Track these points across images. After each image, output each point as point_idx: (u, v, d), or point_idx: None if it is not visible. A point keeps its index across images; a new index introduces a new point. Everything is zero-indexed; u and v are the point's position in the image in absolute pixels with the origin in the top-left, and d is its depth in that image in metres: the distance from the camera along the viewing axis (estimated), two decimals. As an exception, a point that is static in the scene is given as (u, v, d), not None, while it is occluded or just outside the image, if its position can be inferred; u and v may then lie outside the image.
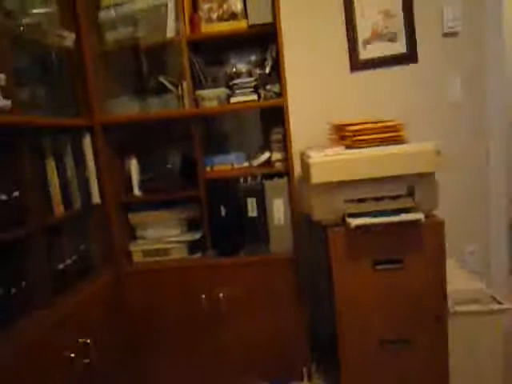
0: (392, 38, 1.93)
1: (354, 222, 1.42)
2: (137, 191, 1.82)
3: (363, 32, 1.95)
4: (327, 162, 1.42)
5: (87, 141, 1.70)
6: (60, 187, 1.50)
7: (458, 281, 1.69)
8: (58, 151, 1.51)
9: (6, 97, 1.20)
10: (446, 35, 1.93)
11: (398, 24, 1.92)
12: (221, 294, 1.73)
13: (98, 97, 1.74)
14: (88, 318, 1.51)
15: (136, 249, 1.84)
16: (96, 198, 1.72)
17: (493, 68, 1.93)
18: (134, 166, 1.82)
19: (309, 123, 1.98)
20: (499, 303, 1.63)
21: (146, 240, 1.86)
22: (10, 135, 1.25)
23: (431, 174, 1.45)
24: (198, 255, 1.82)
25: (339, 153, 1.46)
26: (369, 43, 1.95)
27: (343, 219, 1.48)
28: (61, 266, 1.50)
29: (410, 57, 1.94)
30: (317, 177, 1.43)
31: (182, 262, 1.81)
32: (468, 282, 1.71)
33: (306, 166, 1.55)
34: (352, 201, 1.49)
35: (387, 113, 1.78)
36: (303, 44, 2.00)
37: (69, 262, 1.54)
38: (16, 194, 1.26)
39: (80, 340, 1.41)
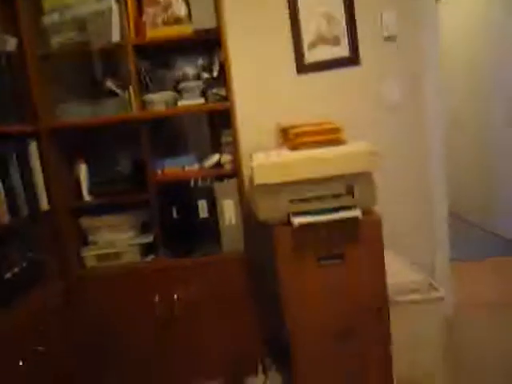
0: (335, 42, 2.00)
1: (297, 220, 1.48)
2: (86, 196, 1.82)
3: (308, 35, 2.01)
4: (269, 164, 1.48)
5: (33, 147, 1.68)
6: (5, 195, 1.48)
7: (400, 272, 1.79)
8: (1, 158, 1.49)
9: None
10: (386, 39, 2.02)
11: (341, 28, 2.00)
12: (175, 296, 1.76)
13: (43, 102, 1.72)
14: (39, 327, 1.50)
15: (88, 254, 1.83)
16: (44, 205, 1.70)
17: (430, 71, 2.04)
18: (83, 170, 1.81)
19: (258, 125, 2.03)
20: (437, 291, 1.74)
21: (99, 245, 1.86)
22: None
23: (369, 173, 1.53)
24: (150, 258, 1.84)
25: (282, 155, 1.51)
26: (314, 46, 2.02)
27: (288, 218, 1.54)
28: (8, 275, 1.48)
29: (352, 60, 2.02)
30: (259, 178, 1.48)
31: (134, 265, 1.82)
32: (409, 272, 1.81)
33: (250, 168, 1.59)
34: (296, 200, 1.55)
35: (333, 114, 1.84)
36: (250, 48, 2.04)
37: (16, 270, 1.53)
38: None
39: (31, 349, 1.40)
